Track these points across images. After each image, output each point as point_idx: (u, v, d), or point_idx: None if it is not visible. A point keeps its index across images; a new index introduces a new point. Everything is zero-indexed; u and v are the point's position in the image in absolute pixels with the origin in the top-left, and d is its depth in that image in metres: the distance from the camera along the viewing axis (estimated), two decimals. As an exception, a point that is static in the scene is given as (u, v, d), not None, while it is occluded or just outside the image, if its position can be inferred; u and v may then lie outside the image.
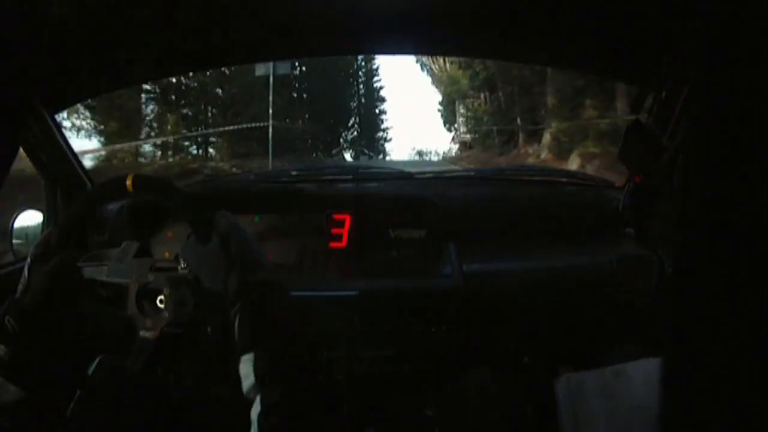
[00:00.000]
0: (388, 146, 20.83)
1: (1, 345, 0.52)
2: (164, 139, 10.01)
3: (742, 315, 0.18)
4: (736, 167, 0.18)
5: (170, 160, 9.95)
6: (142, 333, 0.61)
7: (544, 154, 8.90)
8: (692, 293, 0.20)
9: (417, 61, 18.43)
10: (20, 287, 0.63)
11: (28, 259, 0.65)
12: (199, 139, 10.65)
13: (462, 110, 14.91)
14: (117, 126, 8.58)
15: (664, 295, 1.02)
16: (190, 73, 9.00)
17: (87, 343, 0.58)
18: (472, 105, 14.04)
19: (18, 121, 0.66)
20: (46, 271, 0.61)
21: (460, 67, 13.51)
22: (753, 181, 0.17)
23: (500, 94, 11.75)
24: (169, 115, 9.93)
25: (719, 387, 0.19)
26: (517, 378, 0.91)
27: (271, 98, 9.76)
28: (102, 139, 8.65)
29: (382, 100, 20.70)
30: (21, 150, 0.98)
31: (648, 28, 0.81)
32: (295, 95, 15.36)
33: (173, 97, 10.01)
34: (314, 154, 15.39)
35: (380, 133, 20.73)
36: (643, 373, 0.71)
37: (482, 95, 13.29)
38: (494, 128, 12.13)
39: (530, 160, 9.18)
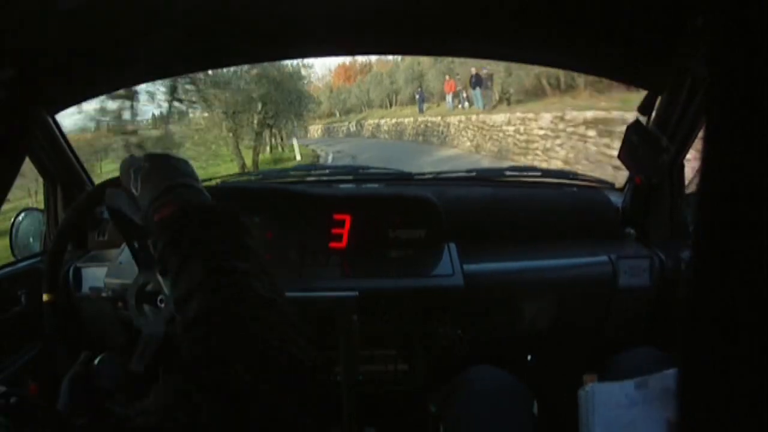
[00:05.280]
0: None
1: None
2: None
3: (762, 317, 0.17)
4: (757, 158, 0.17)
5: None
6: (144, 333, 0.60)
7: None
8: (708, 295, 0.20)
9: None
10: None
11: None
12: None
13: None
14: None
15: (670, 297, 1.02)
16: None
17: (89, 343, 0.58)
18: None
19: (24, 124, 0.66)
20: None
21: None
22: None
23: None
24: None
25: (738, 395, 0.18)
26: (523, 377, 0.91)
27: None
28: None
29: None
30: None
31: (649, 28, 0.81)
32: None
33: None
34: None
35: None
36: (662, 384, 0.73)
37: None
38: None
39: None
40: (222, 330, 0.37)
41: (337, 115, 25.58)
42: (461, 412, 0.84)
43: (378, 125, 18.57)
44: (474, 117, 11.22)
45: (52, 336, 0.61)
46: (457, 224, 1.06)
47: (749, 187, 0.17)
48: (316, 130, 24.09)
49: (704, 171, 0.19)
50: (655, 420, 0.71)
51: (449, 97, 14.00)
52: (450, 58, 11.72)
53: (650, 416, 0.72)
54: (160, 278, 0.51)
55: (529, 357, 1.08)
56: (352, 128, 21.29)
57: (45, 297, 0.63)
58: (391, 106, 20.30)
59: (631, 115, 1.07)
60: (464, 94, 13.14)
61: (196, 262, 0.43)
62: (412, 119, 15.63)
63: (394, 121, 17.17)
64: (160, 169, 0.53)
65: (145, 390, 0.55)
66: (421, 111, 15.63)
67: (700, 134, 0.99)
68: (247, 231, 0.48)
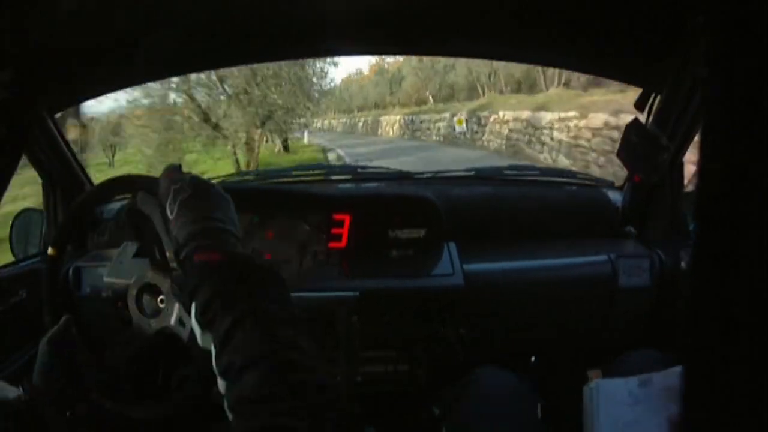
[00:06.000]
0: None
1: None
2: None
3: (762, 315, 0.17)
4: (756, 157, 0.17)
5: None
6: (142, 333, 0.60)
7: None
8: (707, 292, 0.20)
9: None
10: None
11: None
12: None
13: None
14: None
15: (670, 297, 1.02)
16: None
17: (89, 343, 0.58)
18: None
19: (22, 125, 0.66)
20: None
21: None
22: None
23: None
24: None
25: (738, 395, 0.18)
26: (527, 377, 0.91)
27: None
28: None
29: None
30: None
31: (648, 28, 0.81)
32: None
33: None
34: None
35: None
36: (666, 382, 0.74)
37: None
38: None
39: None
40: (282, 417, 0.35)
41: (431, 101, 15.68)
42: (466, 414, 0.84)
43: (536, 127, 8.29)
44: None
45: (47, 290, 0.61)
46: (457, 223, 1.06)
47: (748, 186, 0.18)
48: (391, 123, 15.76)
49: (703, 170, 0.19)
50: (658, 418, 0.72)
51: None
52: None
53: (653, 414, 0.73)
54: (197, 328, 0.48)
55: (533, 358, 1.08)
56: (459, 128, 11.00)
57: (50, 251, 0.62)
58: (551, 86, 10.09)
59: None
60: None
61: (253, 329, 0.40)
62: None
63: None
64: (202, 202, 0.51)
65: (119, 384, 0.55)
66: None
67: (700, 133, 0.99)
68: (290, 295, 0.46)
